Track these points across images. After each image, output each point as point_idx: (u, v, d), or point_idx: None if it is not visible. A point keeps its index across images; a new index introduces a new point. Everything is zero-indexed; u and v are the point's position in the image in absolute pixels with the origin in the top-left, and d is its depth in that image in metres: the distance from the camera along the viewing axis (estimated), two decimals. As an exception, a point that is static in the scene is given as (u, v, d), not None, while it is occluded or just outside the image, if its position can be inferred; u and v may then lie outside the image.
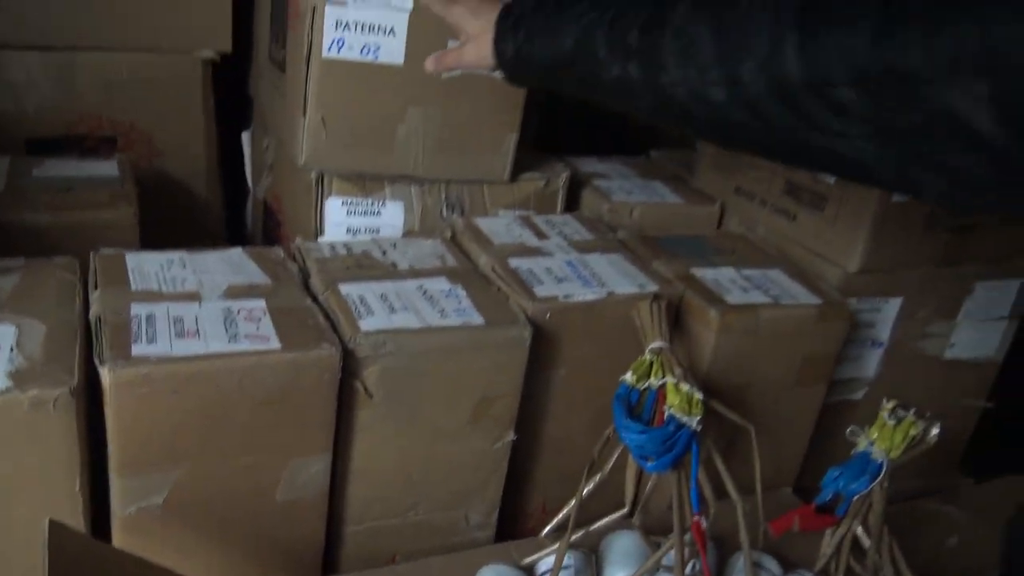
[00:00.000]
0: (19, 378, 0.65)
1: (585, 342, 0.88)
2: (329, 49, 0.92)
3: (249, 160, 1.31)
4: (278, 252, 0.91)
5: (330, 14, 0.91)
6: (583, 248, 0.99)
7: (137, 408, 0.68)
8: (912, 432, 0.83)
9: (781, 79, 0.58)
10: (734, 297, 0.91)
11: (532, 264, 0.93)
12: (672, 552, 0.75)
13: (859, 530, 0.85)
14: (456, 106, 0.99)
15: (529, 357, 0.84)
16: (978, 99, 0.50)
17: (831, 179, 0.99)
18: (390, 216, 1.02)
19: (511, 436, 0.86)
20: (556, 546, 0.80)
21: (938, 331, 1.08)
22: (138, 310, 0.75)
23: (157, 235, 1.01)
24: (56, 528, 0.56)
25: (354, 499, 0.83)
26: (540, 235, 1.01)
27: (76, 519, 0.70)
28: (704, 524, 0.75)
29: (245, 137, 1.30)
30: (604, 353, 0.88)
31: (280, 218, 1.15)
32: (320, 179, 0.98)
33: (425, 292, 0.85)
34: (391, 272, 0.90)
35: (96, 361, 0.68)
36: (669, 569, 0.77)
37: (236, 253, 0.89)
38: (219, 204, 1.30)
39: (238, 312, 0.77)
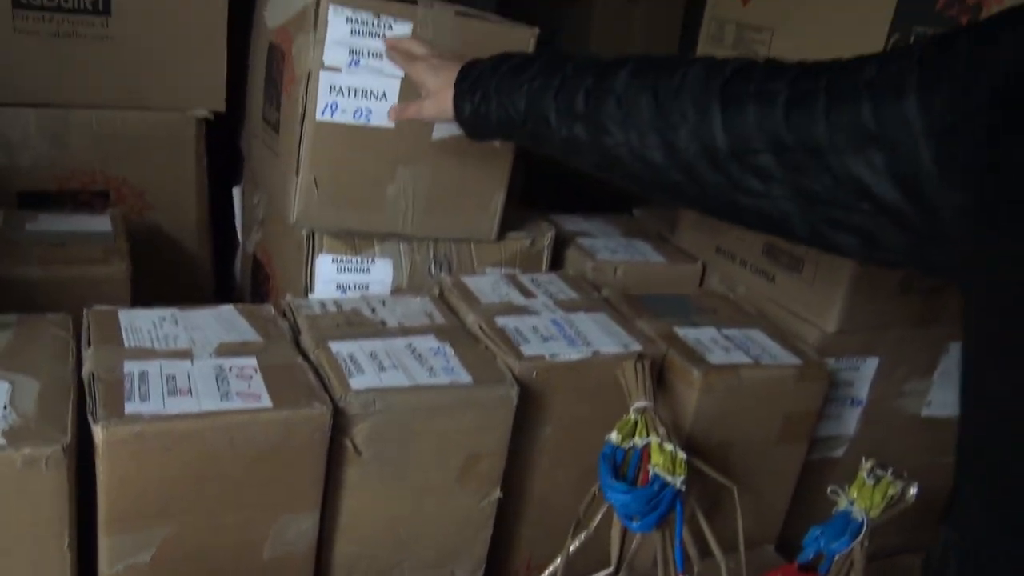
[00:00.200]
0: (12, 435, 0.66)
1: (571, 400, 0.90)
2: (323, 112, 0.95)
3: (239, 214, 1.32)
4: (268, 309, 0.93)
5: (324, 79, 0.94)
6: (568, 307, 1.01)
7: (129, 466, 0.69)
8: (891, 492, 0.84)
9: (710, 145, 0.65)
10: (716, 357, 0.93)
11: (519, 323, 0.95)
12: (657, 611, 0.76)
13: (840, 588, 0.86)
14: (444, 167, 1.02)
15: (515, 415, 0.85)
16: (876, 169, 0.56)
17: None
18: (379, 273, 1.04)
19: (498, 494, 0.87)
20: (542, 604, 0.81)
21: (915, 389, 1.11)
22: (131, 367, 0.76)
23: (147, 286, 1.02)
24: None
25: (341, 556, 0.84)
26: (526, 293, 1.03)
27: (64, 578, 0.70)
28: (688, 583, 0.76)
29: (236, 192, 1.32)
30: (589, 411, 0.90)
31: (269, 272, 1.17)
32: (311, 237, 1.00)
33: (414, 350, 0.87)
34: (380, 330, 0.91)
35: (89, 419, 0.68)
36: (653, 628, 0.78)
37: (227, 310, 0.90)
38: (208, 257, 1.31)
39: (230, 369, 0.78)
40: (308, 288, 1.02)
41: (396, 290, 1.04)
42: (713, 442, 0.93)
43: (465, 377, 0.83)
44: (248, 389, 0.76)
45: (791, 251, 1.04)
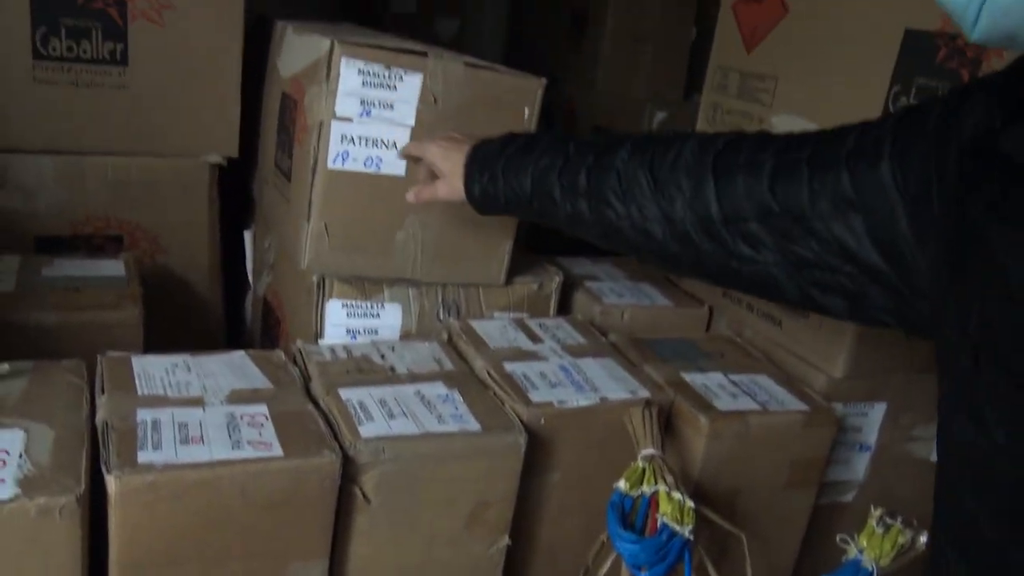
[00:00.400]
0: (27, 485, 0.67)
1: (578, 447, 0.90)
2: (334, 161, 0.96)
3: (250, 257, 1.34)
4: (279, 355, 0.94)
5: (336, 129, 0.95)
6: (576, 352, 1.01)
7: (141, 514, 0.70)
8: (901, 540, 0.84)
9: (704, 215, 0.69)
10: (723, 403, 0.94)
11: (527, 368, 0.95)
12: (666, 662, 0.75)
13: (851, 638, 0.86)
14: (453, 214, 1.03)
15: (523, 461, 0.85)
16: (857, 233, 0.59)
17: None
18: (388, 318, 1.05)
19: (506, 541, 0.87)
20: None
21: (923, 435, 1.11)
22: (144, 415, 0.77)
23: (160, 329, 1.03)
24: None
25: (349, 604, 0.84)
26: (534, 338, 1.04)
27: (74, 626, 0.70)
28: (697, 633, 0.76)
29: (247, 235, 1.34)
30: (597, 457, 0.90)
31: (280, 315, 1.18)
32: (321, 282, 1.02)
33: (423, 397, 0.88)
34: (390, 377, 0.92)
35: (103, 468, 0.69)
36: None
37: (239, 356, 0.92)
38: (219, 300, 1.33)
39: (241, 417, 0.79)
40: (318, 332, 1.03)
41: (405, 334, 1.05)
42: (721, 488, 0.93)
43: (474, 424, 0.84)
44: (259, 437, 0.76)
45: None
